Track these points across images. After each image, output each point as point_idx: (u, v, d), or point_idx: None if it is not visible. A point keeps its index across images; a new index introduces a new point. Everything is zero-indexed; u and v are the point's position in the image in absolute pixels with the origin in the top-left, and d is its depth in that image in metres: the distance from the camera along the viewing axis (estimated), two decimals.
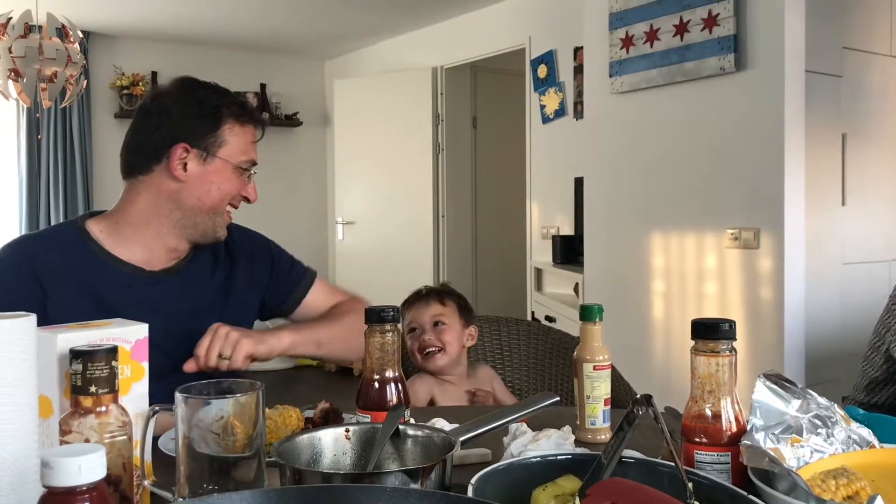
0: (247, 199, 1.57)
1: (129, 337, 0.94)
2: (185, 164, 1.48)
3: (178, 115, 1.49)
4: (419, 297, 1.85)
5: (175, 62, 6.48)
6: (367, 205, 6.43)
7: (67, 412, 0.84)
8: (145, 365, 0.96)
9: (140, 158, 1.52)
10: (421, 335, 1.79)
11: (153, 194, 1.51)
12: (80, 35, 4.46)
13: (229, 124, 1.51)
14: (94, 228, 1.52)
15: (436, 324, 1.80)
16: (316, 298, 1.72)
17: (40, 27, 4.24)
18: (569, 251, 4.40)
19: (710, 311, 3.23)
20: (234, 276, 1.63)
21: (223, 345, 1.41)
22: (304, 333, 1.57)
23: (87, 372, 0.82)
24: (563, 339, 2.07)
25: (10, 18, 4.12)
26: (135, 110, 1.58)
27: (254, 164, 1.56)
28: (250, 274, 1.65)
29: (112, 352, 0.84)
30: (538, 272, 4.91)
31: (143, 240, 1.52)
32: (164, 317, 1.47)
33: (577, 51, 4.55)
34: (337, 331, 1.61)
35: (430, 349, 1.78)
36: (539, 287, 4.90)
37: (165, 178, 1.49)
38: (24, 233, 5.94)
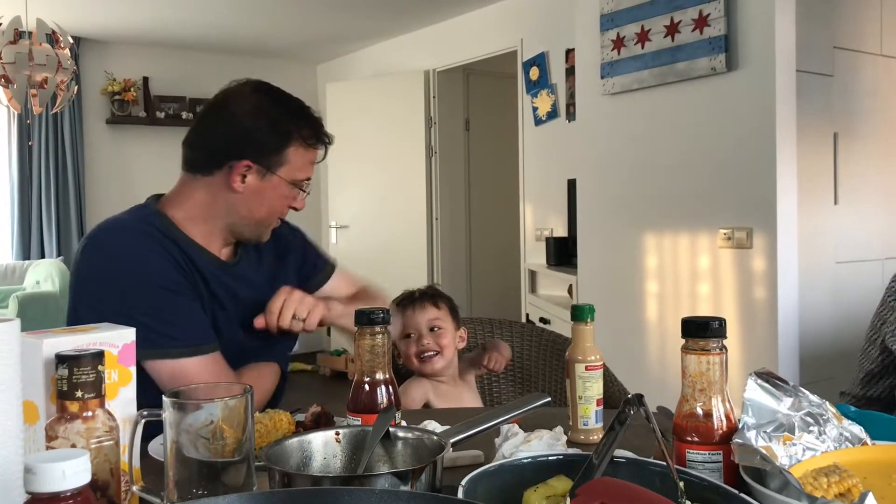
0: (294, 209, 1.60)
1: (116, 341, 0.93)
2: (245, 177, 1.50)
3: (249, 129, 1.50)
4: (412, 301, 1.82)
5: (167, 67, 6.47)
6: (360, 208, 6.42)
7: (53, 417, 0.83)
8: (132, 369, 0.95)
9: (202, 160, 1.54)
10: (419, 340, 1.77)
11: (209, 195, 1.53)
12: (71, 41, 4.45)
13: (295, 146, 1.52)
14: (171, 215, 1.53)
15: (432, 328, 1.78)
16: (333, 288, 1.79)
17: (30, 33, 4.23)
18: (563, 253, 4.39)
19: (704, 311, 3.23)
20: (279, 265, 1.69)
21: (299, 307, 1.49)
22: (348, 307, 1.61)
23: (73, 377, 0.81)
24: (556, 341, 2.07)
25: (0, 24, 4.10)
26: (206, 105, 1.59)
27: (308, 179, 1.59)
28: (288, 261, 1.72)
29: (98, 356, 0.83)
30: (532, 274, 4.91)
31: (199, 232, 1.54)
32: (239, 305, 1.54)
33: (569, 52, 4.55)
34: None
35: (429, 353, 1.76)
36: (533, 289, 4.90)
37: (223, 185, 1.51)
38: (15, 239, 5.92)
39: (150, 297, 1.41)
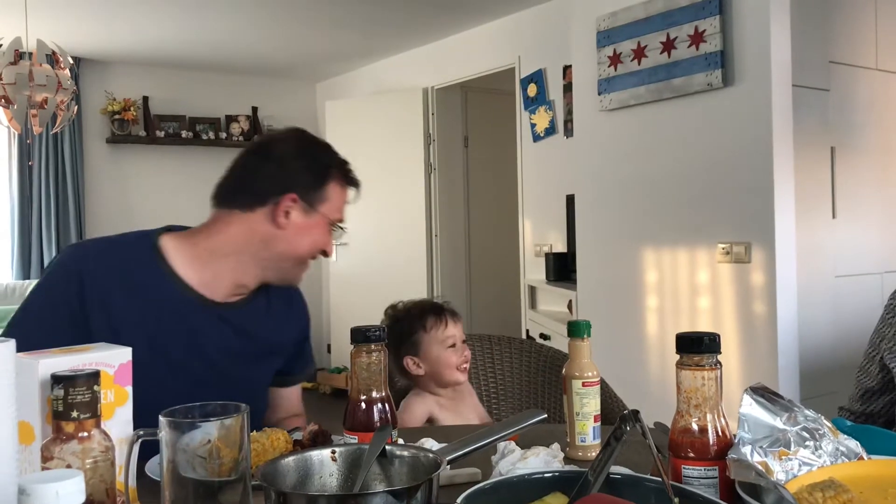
0: (324, 254, 1.61)
1: (112, 361, 0.94)
2: (288, 213, 1.52)
3: (294, 166, 1.54)
4: (451, 313, 1.85)
5: (167, 87, 6.50)
6: (359, 226, 6.42)
7: (49, 438, 0.83)
8: (129, 389, 0.95)
9: (244, 196, 1.54)
10: (463, 350, 1.81)
11: (246, 231, 1.53)
12: (71, 61, 4.47)
13: (333, 183, 1.56)
14: (168, 244, 1.54)
15: (464, 341, 1.84)
16: (290, 394, 1.74)
17: (30, 54, 4.26)
18: (562, 268, 4.40)
19: (703, 326, 3.23)
20: (281, 330, 1.66)
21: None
22: None
23: (69, 397, 0.81)
24: (555, 357, 2.06)
25: (0, 45, 4.12)
26: (246, 148, 1.62)
27: (342, 221, 1.62)
28: (288, 335, 1.69)
29: (94, 376, 0.83)
30: (532, 290, 4.91)
31: (217, 268, 1.54)
32: (209, 348, 1.51)
33: (566, 69, 4.57)
34: None
35: (466, 364, 1.80)
36: (533, 305, 4.90)
37: (265, 221, 1.52)
38: (15, 259, 5.92)
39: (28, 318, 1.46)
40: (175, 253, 1.52)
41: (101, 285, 1.46)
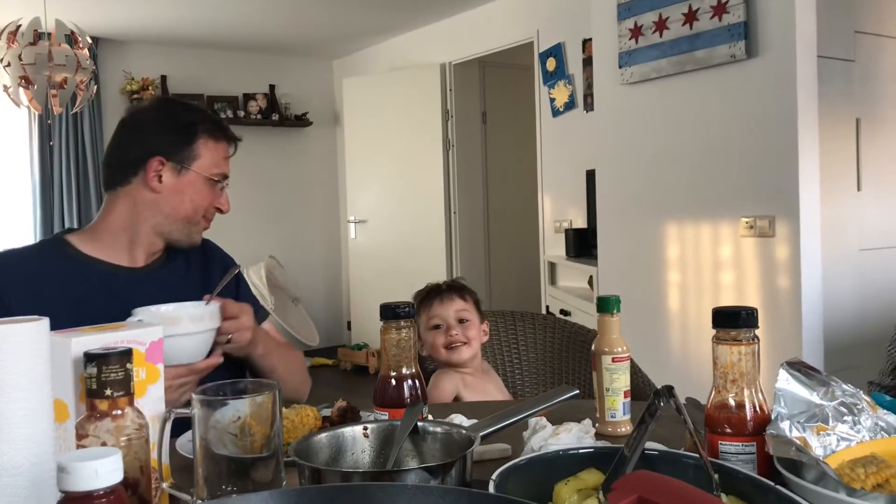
0: (220, 210, 1.65)
1: (143, 339, 0.94)
2: (160, 176, 1.57)
3: (157, 130, 1.59)
4: (439, 293, 1.84)
5: (184, 66, 6.49)
6: (378, 203, 6.43)
7: (83, 416, 0.83)
8: (160, 367, 0.95)
9: (119, 172, 1.60)
10: (448, 330, 1.78)
11: (131, 203, 1.59)
12: (89, 41, 4.47)
13: (203, 139, 1.60)
14: (72, 239, 1.61)
15: (461, 320, 1.81)
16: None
17: (49, 34, 4.26)
18: (582, 244, 4.37)
19: (727, 301, 3.20)
20: (208, 280, 1.70)
21: (237, 335, 1.51)
22: (273, 346, 1.67)
23: (102, 375, 0.81)
24: (579, 332, 2.06)
25: (20, 26, 4.13)
26: (116, 126, 1.67)
27: (225, 177, 1.65)
28: (213, 286, 1.72)
29: (126, 354, 0.83)
30: (552, 266, 4.90)
31: (120, 244, 1.60)
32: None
33: (586, 43, 4.52)
34: (293, 360, 1.74)
35: (457, 344, 1.78)
36: (553, 281, 4.88)
37: (143, 188, 1.58)
38: (37, 236, 5.97)
39: None
40: (81, 244, 1.59)
41: (24, 288, 1.50)
